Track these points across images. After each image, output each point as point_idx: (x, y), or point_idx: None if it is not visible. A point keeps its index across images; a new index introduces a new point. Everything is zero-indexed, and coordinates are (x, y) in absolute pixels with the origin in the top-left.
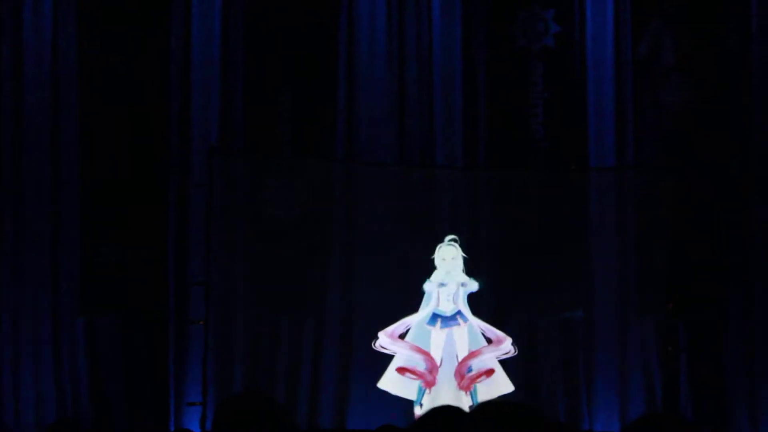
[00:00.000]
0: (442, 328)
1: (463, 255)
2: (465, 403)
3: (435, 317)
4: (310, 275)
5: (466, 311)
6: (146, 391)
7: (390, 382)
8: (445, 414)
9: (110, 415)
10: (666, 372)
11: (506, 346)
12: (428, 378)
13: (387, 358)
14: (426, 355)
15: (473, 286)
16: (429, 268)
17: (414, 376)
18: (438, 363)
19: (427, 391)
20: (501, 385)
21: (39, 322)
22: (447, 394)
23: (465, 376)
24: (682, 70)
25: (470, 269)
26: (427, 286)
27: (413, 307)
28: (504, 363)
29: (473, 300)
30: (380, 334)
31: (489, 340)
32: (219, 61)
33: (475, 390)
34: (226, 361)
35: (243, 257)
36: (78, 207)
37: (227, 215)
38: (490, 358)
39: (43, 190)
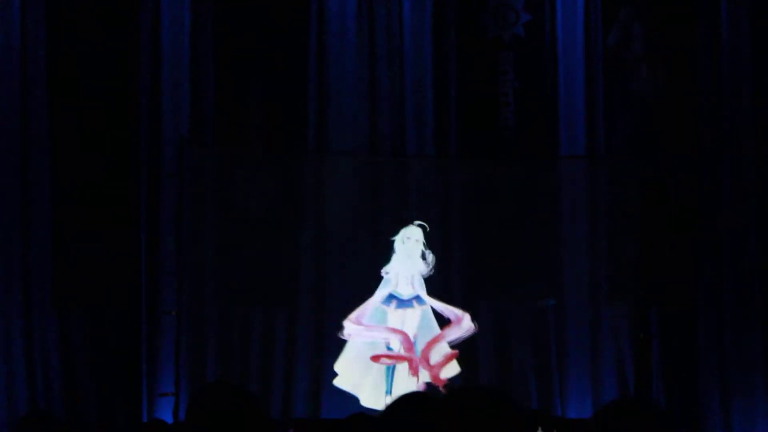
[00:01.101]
0: (397, 308)
1: (424, 243)
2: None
3: (391, 298)
4: (282, 266)
5: (423, 294)
6: (118, 382)
7: (346, 380)
8: (414, 401)
9: (83, 407)
10: (638, 358)
11: (466, 324)
12: (413, 360)
13: None
14: (403, 334)
15: (424, 269)
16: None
17: (391, 361)
18: (413, 342)
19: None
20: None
21: (11, 316)
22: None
23: (433, 366)
24: (652, 60)
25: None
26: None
27: None
28: (476, 351)
29: (444, 288)
30: (345, 322)
31: (447, 321)
32: (189, 54)
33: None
34: (199, 351)
35: (214, 248)
36: (49, 200)
37: (198, 207)
38: (456, 340)
39: (13, 184)
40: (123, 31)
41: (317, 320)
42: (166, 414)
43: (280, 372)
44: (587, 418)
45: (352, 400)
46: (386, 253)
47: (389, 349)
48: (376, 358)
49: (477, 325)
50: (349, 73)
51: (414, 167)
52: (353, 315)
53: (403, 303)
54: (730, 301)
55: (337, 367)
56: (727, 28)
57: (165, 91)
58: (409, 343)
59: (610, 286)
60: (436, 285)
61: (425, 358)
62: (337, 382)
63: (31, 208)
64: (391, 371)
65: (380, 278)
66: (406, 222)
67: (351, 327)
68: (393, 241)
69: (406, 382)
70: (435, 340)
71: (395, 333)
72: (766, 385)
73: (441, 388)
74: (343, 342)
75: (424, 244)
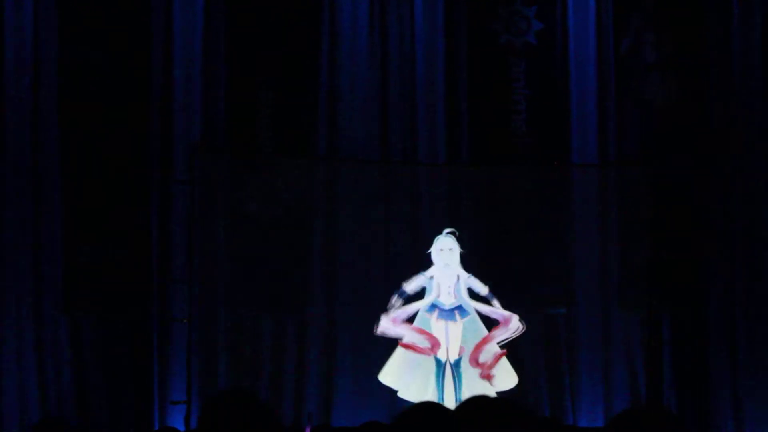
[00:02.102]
0: (438, 318)
1: (461, 249)
2: (490, 391)
3: (433, 307)
4: (293, 272)
5: (466, 302)
6: (130, 389)
7: (392, 377)
8: (428, 410)
9: (94, 414)
10: (649, 366)
11: (514, 324)
12: (434, 350)
13: (372, 355)
14: (428, 335)
15: (473, 282)
16: (411, 264)
17: (418, 352)
18: (439, 339)
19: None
20: (507, 379)
21: (22, 322)
22: (472, 384)
23: (483, 364)
24: (663, 67)
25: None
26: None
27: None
28: None
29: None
30: (382, 316)
31: (496, 323)
32: (201, 59)
33: (460, 385)
34: (210, 359)
35: (226, 255)
36: (60, 206)
37: (209, 213)
38: (506, 339)
39: (24, 189)
40: (135, 37)
41: (328, 327)
42: (177, 422)
43: (290, 379)
44: (599, 426)
45: (364, 407)
46: (397, 258)
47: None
48: (406, 346)
49: (525, 325)
50: (360, 79)
51: (425, 174)
52: (392, 313)
53: (444, 313)
54: (742, 307)
55: (384, 377)
56: (738, 35)
57: (176, 97)
58: (434, 341)
59: (621, 293)
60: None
61: (474, 359)
62: (382, 377)
63: (42, 215)
64: (441, 374)
65: (391, 284)
66: (418, 231)
67: (384, 321)
68: (430, 254)
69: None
70: (483, 342)
71: (421, 333)
72: None
73: (490, 383)
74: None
75: (460, 250)
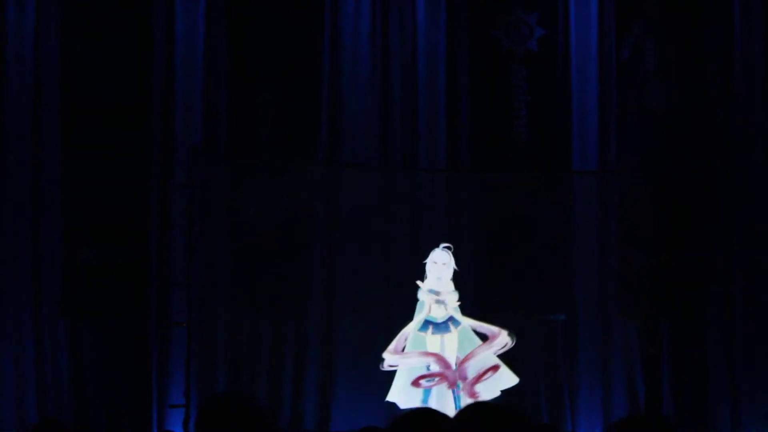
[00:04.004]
0: (433, 333)
1: (455, 267)
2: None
3: (426, 324)
4: (293, 277)
5: (457, 314)
6: (128, 393)
7: (399, 395)
8: (425, 416)
9: (93, 417)
10: (648, 373)
11: (501, 340)
12: (449, 375)
13: (371, 361)
14: (436, 356)
15: (453, 297)
16: (411, 269)
17: (432, 382)
18: (447, 359)
19: (452, 391)
20: (504, 378)
21: (21, 325)
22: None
23: (466, 380)
24: (664, 74)
25: (456, 280)
26: (421, 295)
27: (394, 308)
28: None
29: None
30: (385, 354)
31: (485, 337)
32: (202, 63)
33: (458, 397)
34: (209, 363)
35: (225, 259)
36: (60, 208)
37: (209, 217)
38: (488, 356)
39: (24, 191)
40: (136, 39)
41: (327, 331)
42: (176, 425)
43: (289, 384)
44: None
45: (362, 412)
46: (396, 263)
47: (428, 370)
48: (416, 383)
49: (514, 340)
50: (361, 84)
51: (425, 180)
52: (391, 346)
53: (438, 327)
54: (741, 316)
55: (392, 397)
56: (740, 43)
57: (177, 101)
58: (444, 362)
59: (621, 301)
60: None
61: (462, 375)
62: (391, 397)
63: (42, 218)
64: (427, 394)
65: (390, 289)
66: (418, 236)
67: (390, 358)
68: (425, 264)
69: (440, 402)
70: (468, 357)
71: (429, 356)
72: None
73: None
74: (356, 354)
75: (455, 267)
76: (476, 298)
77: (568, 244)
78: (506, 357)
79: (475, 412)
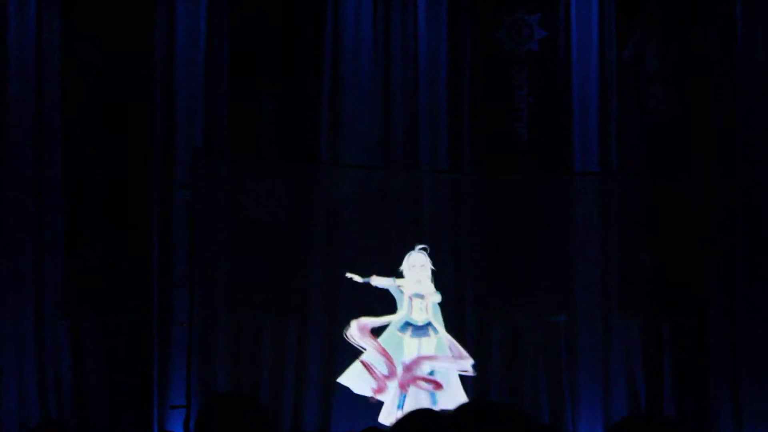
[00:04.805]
0: (412, 336)
1: (432, 267)
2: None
3: (407, 325)
4: (294, 277)
5: (438, 323)
6: (129, 393)
7: (350, 379)
8: (424, 416)
9: (93, 417)
10: (649, 374)
11: (463, 365)
12: (381, 384)
13: None
14: (389, 359)
15: (436, 298)
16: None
17: (370, 376)
18: (398, 371)
19: (406, 396)
20: (456, 395)
21: (22, 325)
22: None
23: (413, 374)
24: (665, 75)
25: (435, 278)
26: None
27: (395, 306)
28: (487, 365)
29: (455, 302)
30: (353, 322)
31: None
32: (203, 63)
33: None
34: (210, 363)
35: (227, 259)
36: (61, 208)
37: (211, 217)
38: (448, 369)
39: (26, 191)
40: (137, 41)
41: (328, 331)
42: (176, 426)
43: (290, 384)
44: None
45: (363, 413)
46: (397, 263)
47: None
48: (364, 364)
49: (474, 372)
50: (362, 85)
51: (427, 180)
52: (365, 320)
53: (418, 330)
54: (742, 316)
55: (343, 379)
56: (741, 45)
57: (179, 102)
58: (391, 370)
59: (622, 302)
60: (447, 299)
61: (410, 367)
62: (342, 379)
63: (43, 217)
64: (402, 399)
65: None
66: (419, 236)
67: (353, 329)
68: (401, 271)
69: (417, 399)
70: (427, 358)
71: (383, 355)
72: None
73: (400, 392)
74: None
75: (432, 268)
76: (477, 298)
77: (568, 245)
78: (508, 356)
79: (476, 412)
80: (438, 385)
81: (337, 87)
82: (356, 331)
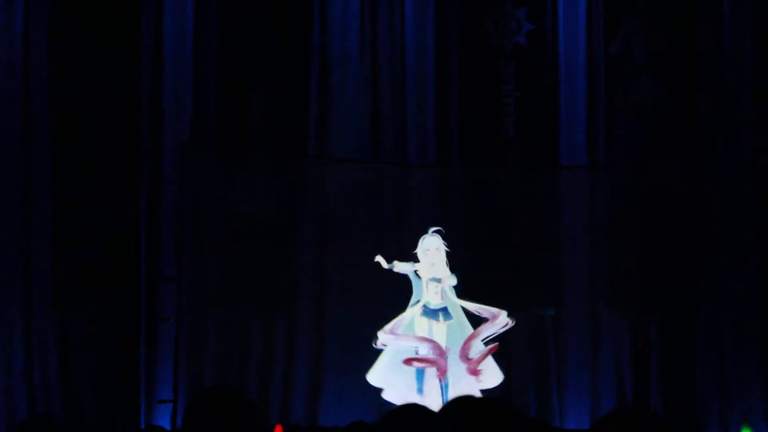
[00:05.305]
0: (422, 315)
1: (446, 248)
2: (476, 388)
3: (420, 305)
4: (282, 271)
5: (453, 301)
6: (117, 388)
7: (379, 377)
8: (412, 411)
9: (81, 412)
10: (637, 368)
11: (502, 320)
12: (441, 364)
13: (359, 355)
14: (432, 342)
15: (452, 281)
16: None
17: (424, 365)
18: (443, 347)
19: (439, 379)
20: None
21: (10, 320)
22: (459, 381)
23: (471, 359)
24: (653, 69)
25: (451, 262)
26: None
27: (385, 302)
28: None
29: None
30: (380, 333)
31: (485, 320)
32: (192, 58)
33: (446, 386)
34: (198, 358)
35: (215, 253)
36: (50, 203)
37: (199, 212)
38: (493, 334)
39: (15, 186)
40: (125, 35)
41: (317, 326)
42: (164, 421)
43: (279, 378)
44: (585, 428)
45: (351, 407)
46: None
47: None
48: (408, 362)
49: (514, 321)
50: (351, 79)
51: (415, 175)
52: (388, 326)
53: (428, 312)
54: (729, 312)
55: (371, 377)
56: (728, 39)
57: (167, 96)
58: (439, 350)
59: (610, 295)
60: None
61: (464, 354)
62: (370, 377)
63: (32, 212)
64: (421, 373)
65: (380, 283)
66: (407, 231)
67: (384, 336)
68: (416, 254)
69: (436, 384)
70: (471, 337)
71: (424, 341)
72: (764, 395)
73: (477, 380)
74: (345, 348)
75: (446, 250)
76: (465, 292)
77: (557, 239)
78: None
79: (463, 406)
80: (493, 349)
81: (325, 81)
82: (388, 336)
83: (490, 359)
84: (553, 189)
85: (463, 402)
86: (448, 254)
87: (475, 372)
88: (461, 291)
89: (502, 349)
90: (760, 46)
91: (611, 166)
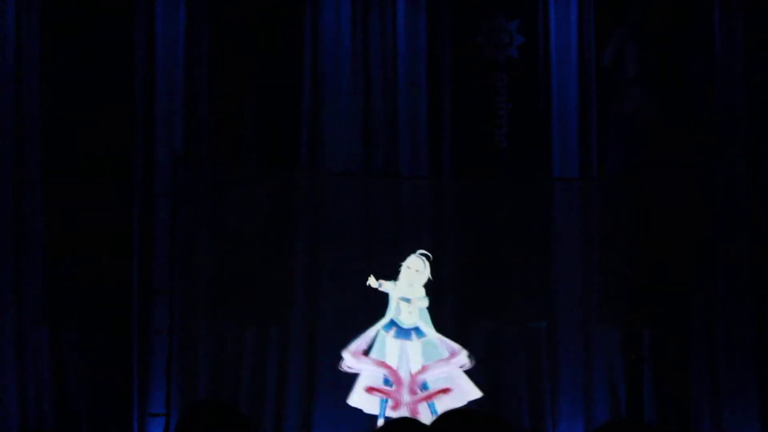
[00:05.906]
0: (395, 337)
1: (429, 276)
2: (423, 414)
3: (391, 324)
4: (275, 284)
5: (426, 325)
6: (109, 401)
7: (359, 400)
8: (404, 426)
9: (73, 425)
10: (630, 380)
11: (459, 359)
12: (396, 396)
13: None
14: (390, 369)
15: (423, 303)
16: (393, 276)
17: (381, 395)
18: (401, 376)
19: (391, 404)
20: (467, 394)
21: (1, 333)
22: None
23: (417, 393)
24: (645, 81)
25: (428, 286)
26: (386, 285)
27: (377, 315)
28: (469, 372)
29: (436, 307)
30: (344, 353)
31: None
32: (183, 70)
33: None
34: (190, 371)
35: (207, 267)
36: (41, 216)
37: (191, 224)
38: (446, 372)
39: (5, 200)
40: (116, 48)
41: (309, 339)
42: None
43: (271, 391)
44: None
45: (344, 420)
46: (378, 270)
47: (386, 381)
48: (370, 390)
49: (473, 361)
50: (343, 91)
51: (407, 187)
52: (352, 345)
53: (401, 332)
54: (722, 323)
55: (352, 401)
56: (720, 49)
57: (158, 110)
58: (396, 378)
59: (603, 308)
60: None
61: (412, 387)
62: (350, 401)
63: (23, 226)
64: (384, 402)
65: (372, 296)
66: (399, 243)
67: (347, 359)
68: (400, 267)
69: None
70: (423, 370)
71: (382, 367)
72: (758, 406)
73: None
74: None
75: (429, 276)
76: (457, 305)
77: (549, 250)
78: (489, 362)
79: (455, 419)
80: (445, 391)
81: (317, 93)
82: (350, 358)
83: (464, 379)
84: (545, 201)
85: (454, 415)
86: (430, 281)
87: (414, 411)
88: (453, 304)
89: (496, 360)
90: (753, 57)
91: (604, 178)
